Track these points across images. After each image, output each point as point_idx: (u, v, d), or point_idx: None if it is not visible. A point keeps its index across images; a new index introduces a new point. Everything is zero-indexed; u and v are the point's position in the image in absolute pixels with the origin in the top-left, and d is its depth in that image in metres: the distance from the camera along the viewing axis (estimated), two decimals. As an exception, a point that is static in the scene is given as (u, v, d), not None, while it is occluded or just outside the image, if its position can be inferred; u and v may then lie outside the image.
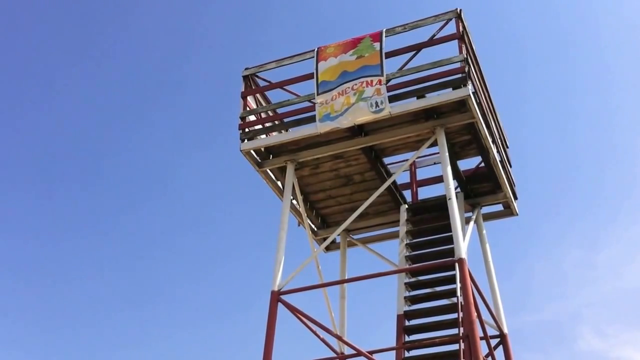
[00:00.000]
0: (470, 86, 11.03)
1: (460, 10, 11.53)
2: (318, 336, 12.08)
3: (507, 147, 13.52)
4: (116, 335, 30.50)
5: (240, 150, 12.11)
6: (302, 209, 12.94)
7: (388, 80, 11.38)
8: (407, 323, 11.43)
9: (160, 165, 32.86)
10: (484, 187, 13.09)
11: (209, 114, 31.78)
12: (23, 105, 32.66)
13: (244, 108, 12.38)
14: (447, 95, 11.08)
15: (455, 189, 12.50)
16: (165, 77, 33.76)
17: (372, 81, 11.43)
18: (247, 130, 12.19)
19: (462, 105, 11.24)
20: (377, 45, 11.66)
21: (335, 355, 12.44)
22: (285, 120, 12.30)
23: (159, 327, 30.68)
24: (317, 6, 33.32)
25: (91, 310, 30.67)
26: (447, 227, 11.38)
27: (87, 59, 33.32)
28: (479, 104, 11.49)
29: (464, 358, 10.29)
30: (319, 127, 11.59)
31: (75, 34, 32.96)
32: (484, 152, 12.15)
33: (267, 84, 12.65)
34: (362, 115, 11.35)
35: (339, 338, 12.22)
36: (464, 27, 11.50)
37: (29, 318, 30.62)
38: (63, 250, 32.40)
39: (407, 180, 13.77)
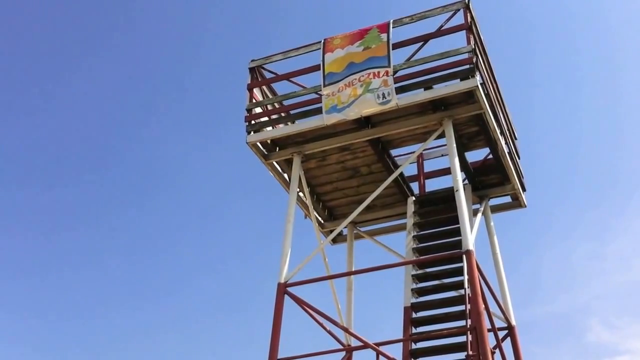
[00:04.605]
0: (478, 77, 10.95)
1: (469, 0, 11.44)
2: (325, 328, 12.07)
3: (516, 139, 13.44)
4: (122, 330, 30.62)
5: (247, 143, 12.08)
6: (308, 201, 12.90)
7: (395, 72, 11.31)
8: (414, 315, 11.40)
9: (166, 158, 32.89)
10: (492, 179, 13.03)
11: (215, 107, 31.81)
12: (31, 100, 32.73)
13: (250, 100, 12.33)
14: (455, 87, 11.01)
15: (463, 180, 12.42)
16: (171, 70, 33.80)
17: (379, 72, 11.36)
18: (253, 122, 12.15)
19: (470, 96, 11.17)
20: (384, 36, 11.59)
21: (342, 347, 12.43)
22: (292, 112, 12.25)
23: (163, 321, 30.78)
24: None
25: (95, 306, 30.82)
26: (455, 219, 11.33)
27: (93, 53, 33.38)
28: (487, 95, 11.41)
29: (471, 350, 10.26)
30: (326, 119, 11.54)
31: (83, 26, 33.00)
32: (492, 144, 12.08)
33: (274, 75, 12.61)
34: (369, 106, 11.29)
35: (346, 330, 12.19)
36: (472, 17, 11.41)
37: (32, 314, 30.77)
38: (70, 244, 32.53)
39: (415, 172, 13.72)
